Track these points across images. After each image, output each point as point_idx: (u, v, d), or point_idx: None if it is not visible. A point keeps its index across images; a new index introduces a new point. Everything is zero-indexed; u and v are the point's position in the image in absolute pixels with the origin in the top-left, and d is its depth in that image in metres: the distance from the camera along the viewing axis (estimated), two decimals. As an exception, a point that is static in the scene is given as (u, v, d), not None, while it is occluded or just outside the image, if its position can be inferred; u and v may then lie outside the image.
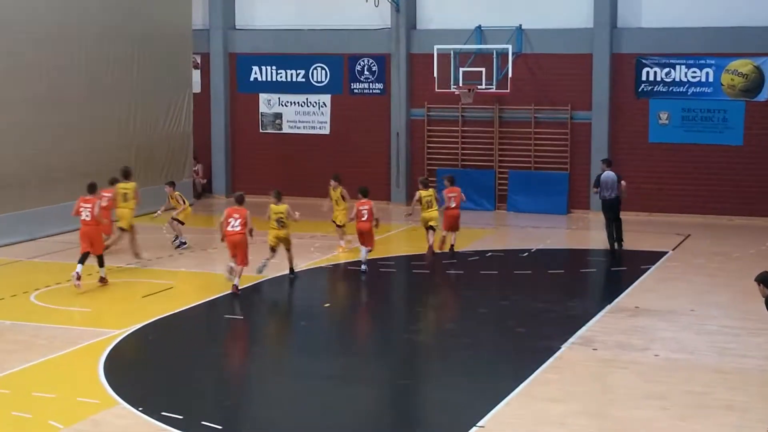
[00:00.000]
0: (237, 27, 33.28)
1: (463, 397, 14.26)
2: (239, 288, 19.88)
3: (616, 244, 24.41)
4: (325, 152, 31.85)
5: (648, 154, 29.07)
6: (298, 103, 32.55)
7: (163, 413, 13.18)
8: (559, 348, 16.24)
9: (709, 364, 15.49)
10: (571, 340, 16.71)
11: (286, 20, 32.64)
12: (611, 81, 29.22)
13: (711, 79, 28.46)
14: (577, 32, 29.47)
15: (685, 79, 28.72)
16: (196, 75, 32.93)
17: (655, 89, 28.99)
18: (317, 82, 32.31)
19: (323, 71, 32.21)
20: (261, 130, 33.03)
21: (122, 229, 23.73)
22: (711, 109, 28.54)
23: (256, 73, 33.00)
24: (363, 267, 22.00)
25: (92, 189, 21.20)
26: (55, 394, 14.06)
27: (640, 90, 29.14)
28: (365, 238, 22.19)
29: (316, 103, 32.36)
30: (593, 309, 18.80)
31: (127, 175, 23.83)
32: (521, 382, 14.51)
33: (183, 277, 21.68)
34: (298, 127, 32.60)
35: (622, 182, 24.47)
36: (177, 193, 25.34)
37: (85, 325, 17.71)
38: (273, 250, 21.36)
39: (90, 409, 13.45)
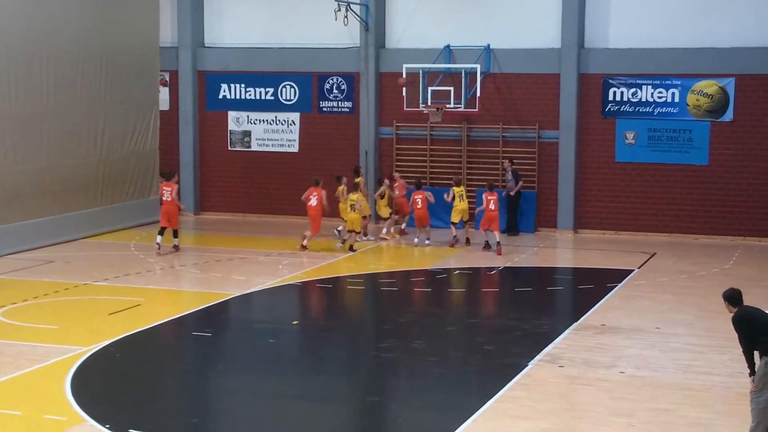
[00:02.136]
0: (206, 45, 33.29)
1: (431, 415, 14.31)
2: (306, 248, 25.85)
3: None
4: (293, 170, 31.88)
5: (614, 174, 29.29)
6: (267, 121, 32.58)
7: (131, 430, 13.15)
8: (527, 365, 16.33)
9: (674, 382, 15.61)
10: (538, 357, 16.81)
11: (255, 38, 32.68)
12: (578, 101, 29.43)
13: (677, 100, 28.73)
14: (545, 52, 29.69)
15: (651, 100, 28.98)
16: (165, 93, 32.87)
17: (621, 109, 29.23)
18: (286, 100, 32.36)
19: (292, 89, 32.26)
20: (230, 148, 33.02)
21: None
22: (677, 129, 28.80)
23: (224, 91, 33.00)
24: (427, 242, 27.59)
25: (170, 176, 26.95)
26: (21, 411, 14.00)
27: (606, 110, 29.37)
28: (423, 222, 27.46)
29: (285, 121, 32.40)
30: (560, 326, 18.90)
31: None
32: (489, 399, 14.58)
33: (151, 294, 21.62)
34: (267, 145, 32.61)
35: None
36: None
37: (51, 342, 17.60)
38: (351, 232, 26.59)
39: (57, 427, 13.40)
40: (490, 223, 26.67)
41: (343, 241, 26.82)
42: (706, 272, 24.23)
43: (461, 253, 27.00)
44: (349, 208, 26.82)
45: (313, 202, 26.80)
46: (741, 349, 12.67)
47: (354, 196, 26.86)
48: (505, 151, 30.12)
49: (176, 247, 26.32)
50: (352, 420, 14.52)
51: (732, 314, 12.75)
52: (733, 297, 12.80)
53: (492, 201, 26.64)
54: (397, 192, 28.88)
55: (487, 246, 26.80)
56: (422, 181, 29.19)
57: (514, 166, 29.50)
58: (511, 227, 29.40)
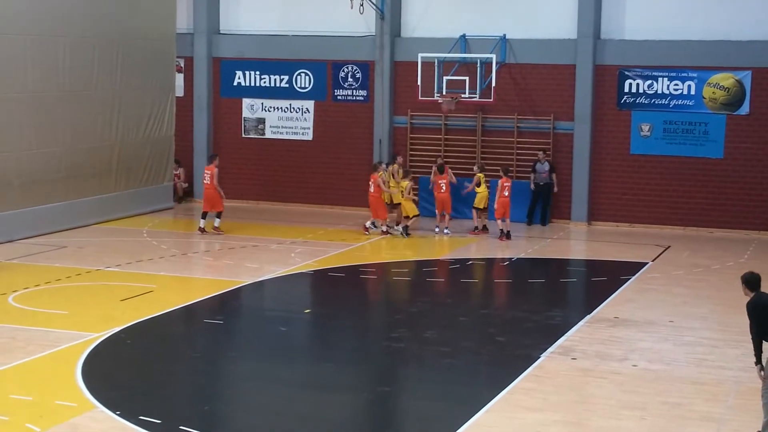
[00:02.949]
0: (221, 31, 33.26)
1: (443, 406, 14.28)
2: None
3: None
4: (307, 158, 31.85)
5: (629, 166, 29.18)
6: (281, 108, 32.54)
7: (141, 417, 13.14)
8: (539, 357, 16.28)
9: (687, 376, 15.55)
10: (550, 349, 16.75)
11: (271, 25, 32.63)
12: (594, 92, 29.32)
13: (693, 92, 28.58)
14: (561, 43, 29.58)
15: (667, 92, 28.84)
16: (180, 79, 32.85)
17: (637, 101, 29.10)
18: (301, 88, 32.30)
19: (307, 77, 32.20)
20: (243, 135, 33.00)
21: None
22: (692, 121, 28.67)
23: (239, 78, 32.96)
24: (447, 231, 27.52)
25: (211, 159, 27.65)
26: (33, 397, 14.01)
27: (622, 101, 29.25)
28: (445, 206, 27.78)
29: (299, 108, 32.35)
30: (573, 319, 18.85)
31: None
32: (500, 391, 14.54)
33: (163, 280, 21.62)
34: (281, 133, 32.58)
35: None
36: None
37: (63, 327, 17.60)
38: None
39: (68, 413, 13.40)
40: (505, 209, 26.94)
41: (404, 227, 27.07)
42: (720, 266, 24.13)
43: (476, 243, 26.94)
44: (401, 195, 27.25)
45: (371, 188, 27.26)
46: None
47: (404, 183, 27.27)
48: (519, 142, 30.03)
49: (216, 230, 26.74)
50: (362, 409, 14.50)
51: (748, 298, 12.65)
52: (750, 281, 12.72)
53: (507, 187, 27.00)
54: (443, 188, 27.95)
55: (504, 235, 26.89)
56: (445, 164, 29.10)
57: (548, 157, 29.36)
58: (540, 217, 29.61)
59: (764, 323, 12.50)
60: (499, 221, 27.06)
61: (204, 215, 26.99)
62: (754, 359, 12.72)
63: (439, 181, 27.88)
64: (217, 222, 26.84)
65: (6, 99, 25.26)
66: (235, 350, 17.22)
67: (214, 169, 27.02)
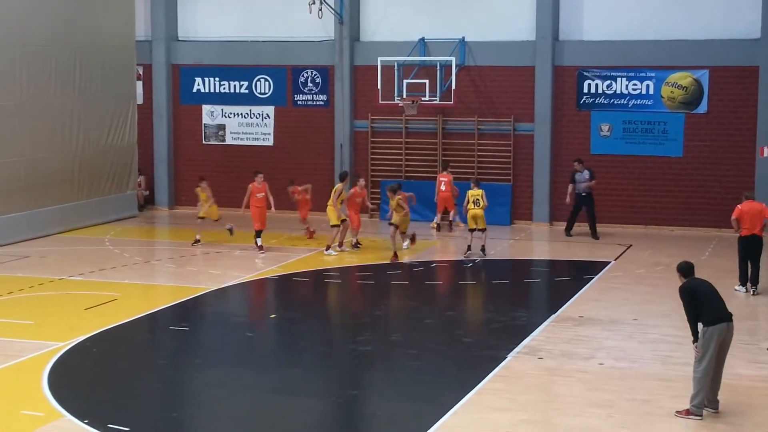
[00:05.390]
0: (180, 38, 33.15)
1: (411, 407, 14.31)
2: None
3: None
4: (268, 164, 31.73)
5: (590, 166, 29.23)
6: (242, 114, 32.48)
7: (110, 425, 13.09)
8: (505, 357, 16.35)
9: (652, 373, 15.67)
10: (516, 349, 16.83)
11: (229, 31, 32.57)
12: (553, 93, 29.49)
13: (651, 92, 28.82)
14: (520, 45, 29.72)
15: (625, 92, 29.06)
16: (139, 86, 32.68)
17: (596, 101, 29.30)
18: (261, 93, 32.26)
19: (267, 83, 32.17)
20: (204, 142, 32.92)
21: (334, 226, 25.59)
22: (651, 121, 28.90)
23: (199, 85, 32.88)
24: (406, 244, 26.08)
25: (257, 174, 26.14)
26: (-1, 407, 13.92)
27: (581, 102, 29.44)
28: (447, 205, 28.39)
29: (259, 114, 32.32)
30: (538, 318, 18.94)
31: (341, 178, 26.54)
32: (468, 392, 14.59)
33: (127, 288, 21.50)
34: (242, 139, 32.53)
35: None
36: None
37: (27, 337, 17.47)
38: (471, 231, 25.16)
39: (35, 423, 13.31)
40: (447, 204, 28.27)
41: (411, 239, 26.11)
42: (683, 263, 24.22)
43: (437, 246, 27.01)
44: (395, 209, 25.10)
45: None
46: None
47: (397, 197, 24.88)
48: (480, 144, 30.13)
49: (260, 247, 25.59)
50: (331, 413, 14.49)
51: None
52: (684, 268, 14.05)
53: (443, 182, 28.09)
54: (443, 187, 28.25)
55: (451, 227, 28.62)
56: (450, 164, 29.28)
57: (584, 165, 27.98)
58: (591, 229, 27.89)
59: (696, 306, 13.72)
60: (439, 215, 28.51)
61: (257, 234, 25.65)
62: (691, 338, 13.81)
63: (441, 179, 28.29)
64: (258, 241, 25.62)
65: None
66: (202, 357, 17.15)
67: (265, 186, 25.75)
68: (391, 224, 24.91)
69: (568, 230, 28.21)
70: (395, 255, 24.58)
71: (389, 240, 24.95)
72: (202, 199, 26.62)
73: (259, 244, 25.55)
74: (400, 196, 24.91)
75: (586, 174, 27.81)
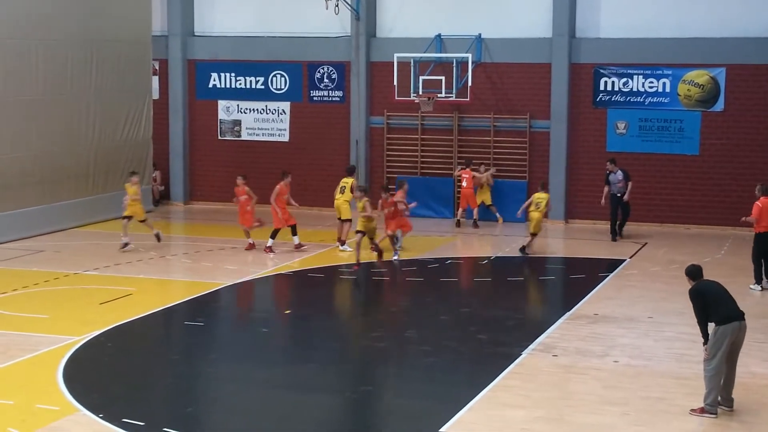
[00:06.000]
0: (196, 33, 33.18)
1: (425, 404, 14.30)
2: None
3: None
4: (284, 159, 31.76)
5: (606, 163, 29.22)
6: (257, 110, 32.49)
7: (125, 420, 13.12)
8: (520, 354, 16.33)
9: (667, 371, 15.63)
10: (531, 346, 16.81)
11: (245, 27, 32.59)
12: (570, 90, 29.41)
13: (668, 90, 28.73)
14: (536, 42, 29.65)
15: (642, 89, 28.97)
16: (155, 81, 32.72)
17: (612, 99, 29.22)
18: (276, 89, 32.27)
19: (282, 78, 32.17)
20: (219, 137, 32.94)
21: (342, 220, 25.48)
22: (668, 119, 28.81)
23: (214, 80, 32.90)
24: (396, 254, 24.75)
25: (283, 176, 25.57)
26: (14, 401, 13.95)
27: (598, 99, 29.36)
28: (469, 201, 28.75)
29: (275, 110, 32.32)
30: (553, 316, 18.90)
31: (350, 172, 26.72)
32: (482, 389, 14.58)
33: (142, 283, 21.55)
34: (257, 134, 32.54)
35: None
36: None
37: (43, 332, 17.54)
38: (534, 235, 25.12)
39: (50, 417, 13.36)
40: (468, 200, 28.67)
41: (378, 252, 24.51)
42: (697, 262, 24.00)
43: (452, 242, 26.98)
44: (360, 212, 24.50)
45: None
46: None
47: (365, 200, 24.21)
48: (496, 141, 30.10)
49: (300, 246, 25.32)
50: (344, 409, 14.50)
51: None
52: (692, 272, 14.22)
53: (465, 179, 28.54)
54: (465, 183, 28.80)
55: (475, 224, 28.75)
56: (473, 161, 29.45)
57: (618, 166, 27.22)
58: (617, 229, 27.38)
59: (705, 307, 13.77)
60: (460, 211, 28.90)
61: (293, 231, 25.28)
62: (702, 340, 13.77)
63: (462, 175, 28.71)
64: (296, 239, 25.29)
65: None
66: (217, 352, 17.18)
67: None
68: (357, 231, 23.29)
69: (614, 236, 27.20)
70: (358, 264, 23.26)
71: (398, 239, 24.63)
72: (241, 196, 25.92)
73: (297, 242, 25.27)
74: (386, 197, 24.31)
75: (619, 174, 27.07)
